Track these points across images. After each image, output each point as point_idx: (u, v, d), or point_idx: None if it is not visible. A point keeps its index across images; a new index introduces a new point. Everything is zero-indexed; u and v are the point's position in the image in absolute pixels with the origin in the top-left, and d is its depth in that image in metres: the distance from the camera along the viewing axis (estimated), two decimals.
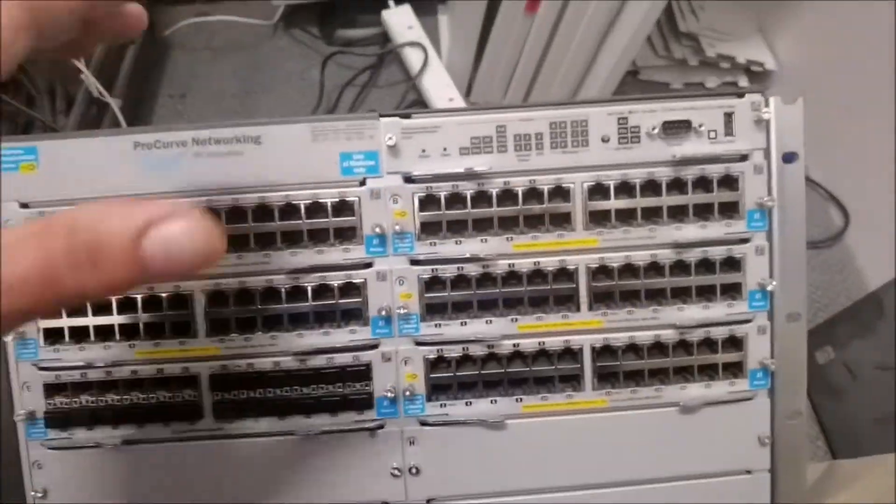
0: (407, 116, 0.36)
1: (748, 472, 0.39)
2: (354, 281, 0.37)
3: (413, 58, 0.99)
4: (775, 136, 0.37)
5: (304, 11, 1.12)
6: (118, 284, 0.16)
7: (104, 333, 0.37)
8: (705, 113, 0.37)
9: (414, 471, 0.38)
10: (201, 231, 0.16)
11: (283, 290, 0.37)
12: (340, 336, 0.37)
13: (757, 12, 1.13)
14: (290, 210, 0.36)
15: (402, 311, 0.37)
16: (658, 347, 0.38)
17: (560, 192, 0.37)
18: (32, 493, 0.37)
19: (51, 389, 0.36)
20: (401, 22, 1.02)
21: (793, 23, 1.06)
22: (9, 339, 0.36)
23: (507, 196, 0.37)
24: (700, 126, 0.37)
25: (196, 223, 0.16)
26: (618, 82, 0.96)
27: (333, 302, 0.37)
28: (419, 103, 0.99)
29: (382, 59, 1.06)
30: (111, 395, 0.37)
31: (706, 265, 0.38)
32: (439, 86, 0.98)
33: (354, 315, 0.37)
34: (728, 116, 0.37)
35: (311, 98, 1.05)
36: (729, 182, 0.37)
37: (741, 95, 0.37)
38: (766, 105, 0.37)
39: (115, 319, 0.36)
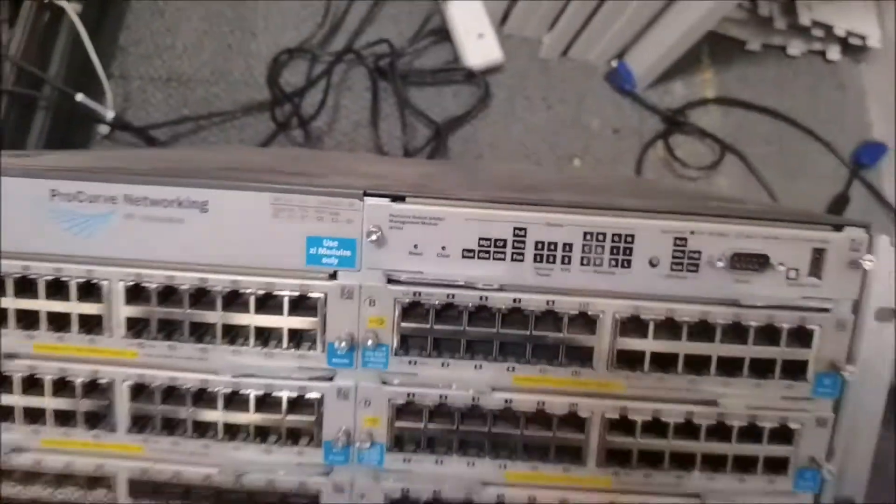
0: (400, 199, 0.28)
1: None
2: (309, 395, 0.29)
3: None
4: (874, 287, 0.28)
5: None
6: None
7: (3, 415, 0.30)
8: (789, 246, 0.28)
9: None
10: None
11: (219, 394, 0.29)
12: (285, 456, 0.30)
13: None
14: (236, 299, 0.29)
15: (364, 441, 0.29)
16: None
17: (584, 321, 0.29)
18: None
19: None
20: None
21: None
22: None
23: (516, 317, 0.29)
24: (779, 265, 0.27)
25: None
26: (695, 40, 0.80)
27: (279, 417, 0.29)
28: (442, 31, 0.85)
29: None
30: (9, 487, 0.30)
31: (751, 432, 0.30)
32: (468, 17, 0.83)
33: (304, 436, 0.30)
34: (818, 254, 0.28)
35: (315, 9, 0.89)
36: (801, 336, 0.29)
37: (839, 228, 0.28)
38: (870, 247, 0.27)
39: (18, 401, 0.29)
